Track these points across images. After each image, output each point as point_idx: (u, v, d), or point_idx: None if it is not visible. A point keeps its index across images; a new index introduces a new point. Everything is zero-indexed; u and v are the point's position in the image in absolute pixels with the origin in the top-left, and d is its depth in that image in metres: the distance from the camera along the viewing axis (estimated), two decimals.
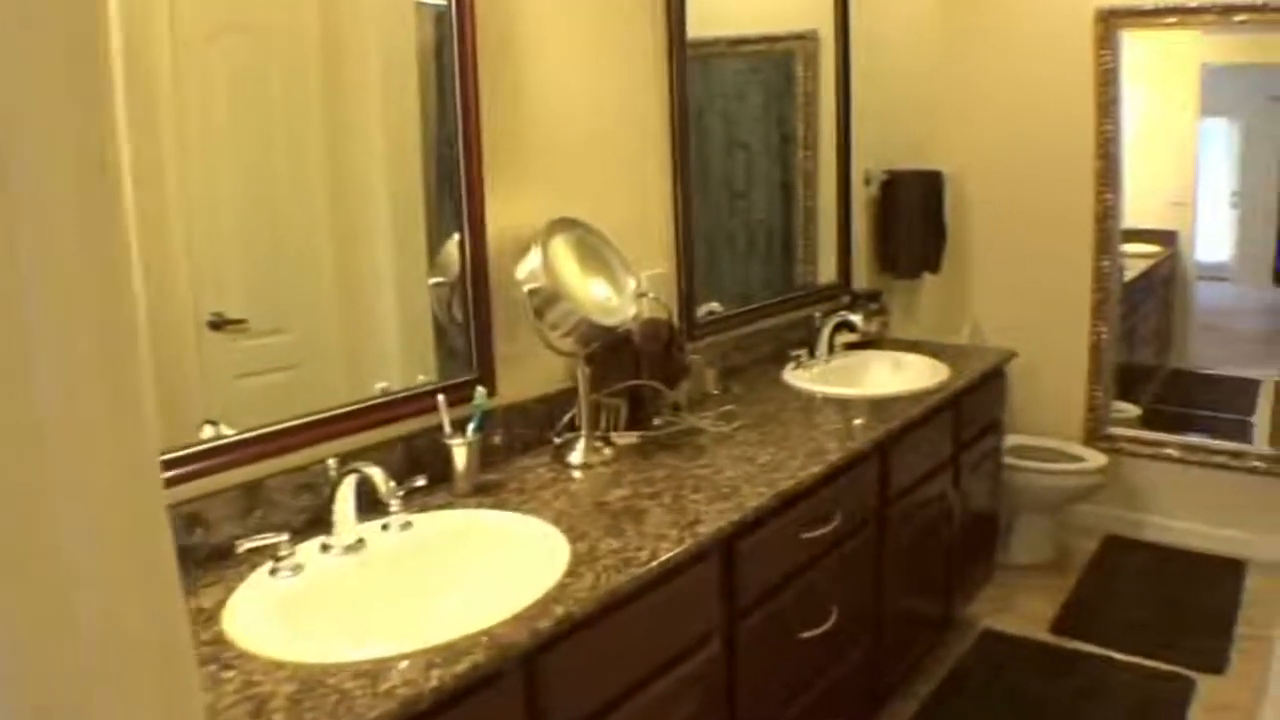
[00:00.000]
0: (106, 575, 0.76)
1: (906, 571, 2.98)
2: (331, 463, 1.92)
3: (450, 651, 1.50)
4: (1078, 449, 4.36)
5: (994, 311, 4.73)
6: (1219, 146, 5.84)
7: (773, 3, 3.59)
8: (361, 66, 2.23)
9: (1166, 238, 5.57)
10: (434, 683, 1.42)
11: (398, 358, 2.32)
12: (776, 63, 3.72)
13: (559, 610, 1.64)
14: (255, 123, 2.02)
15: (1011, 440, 4.23)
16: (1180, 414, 5.38)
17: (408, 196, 2.32)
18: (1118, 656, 3.54)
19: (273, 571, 1.75)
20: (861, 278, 4.04)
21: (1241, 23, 4.07)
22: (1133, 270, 5.14)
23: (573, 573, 1.78)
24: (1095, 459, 4.23)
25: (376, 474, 1.82)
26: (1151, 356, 5.70)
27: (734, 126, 3.45)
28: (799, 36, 3.74)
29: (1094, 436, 4.58)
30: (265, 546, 1.77)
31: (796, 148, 3.78)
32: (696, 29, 3.06)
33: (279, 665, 1.47)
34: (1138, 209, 5.00)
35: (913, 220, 4.15)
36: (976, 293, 4.79)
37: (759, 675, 2.24)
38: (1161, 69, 5.07)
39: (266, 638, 1.55)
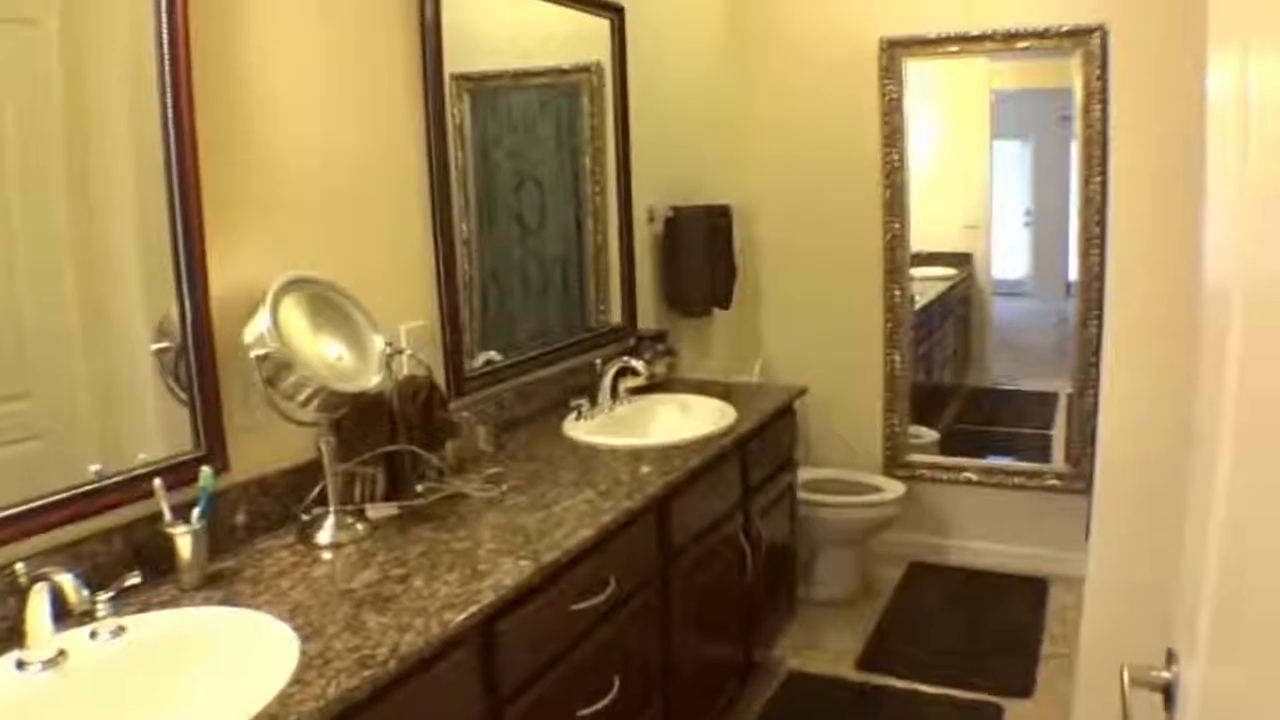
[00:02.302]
0: None
1: (698, 625, 2.86)
2: (20, 567, 1.67)
3: None
4: (877, 479, 4.37)
5: (787, 346, 4.73)
6: (1013, 168, 6.01)
7: (556, 34, 3.46)
8: (107, 100, 2.01)
9: (962, 260, 5.67)
10: None
11: (115, 435, 2.06)
12: (565, 95, 3.61)
13: None
14: None
15: (810, 474, 4.20)
16: (981, 433, 5.48)
17: (141, 249, 2.08)
18: (925, 689, 3.55)
19: None
20: (649, 317, 3.94)
21: (1025, 49, 4.17)
22: (929, 294, 5.20)
23: (300, 679, 1.58)
24: (894, 489, 4.24)
25: (66, 581, 1.59)
26: (951, 377, 5.78)
27: (524, 160, 3.33)
28: (583, 69, 3.63)
29: (893, 465, 4.62)
30: None
31: (587, 182, 3.67)
32: (475, 62, 2.96)
33: None
34: (933, 233, 5.07)
35: (699, 257, 4.06)
36: (768, 328, 4.78)
37: None
38: (952, 95, 5.16)
39: None
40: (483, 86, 3.08)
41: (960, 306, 5.76)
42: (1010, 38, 4.15)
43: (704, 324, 4.35)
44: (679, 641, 2.74)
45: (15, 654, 1.63)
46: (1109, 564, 2.29)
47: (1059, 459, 4.61)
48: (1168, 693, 1.33)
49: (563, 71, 3.60)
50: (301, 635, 1.72)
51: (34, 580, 1.64)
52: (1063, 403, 4.77)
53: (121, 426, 2.09)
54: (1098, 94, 3.98)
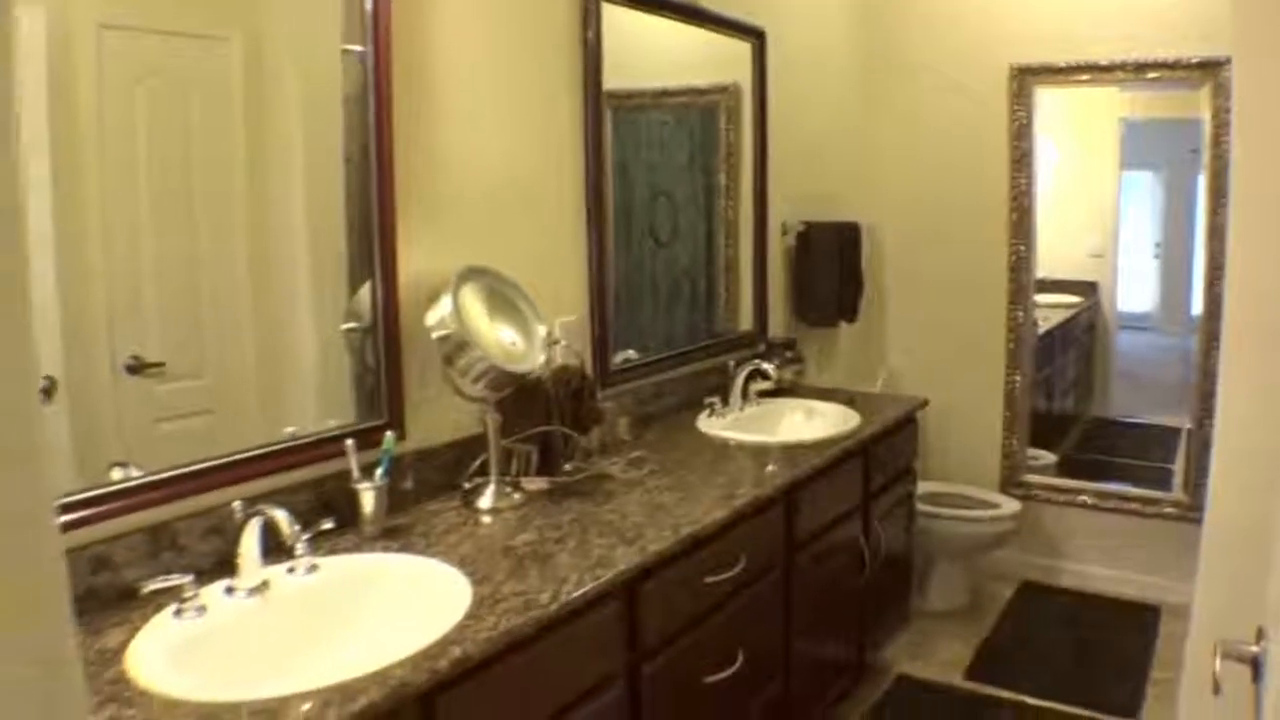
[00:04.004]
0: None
1: (816, 616, 3.03)
2: (237, 505, 1.94)
3: (348, 691, 1.53)
4: (993, 495, 4.45)
5: (910, 360, 4.84)
6: (1142, 199, 5.99)
7: (696, 56, 3.67)
8: (285, 111, 2.27)
9: (1087, 288, 5.70)
10: None
11: (310, 402, 2.35)
12: (701, 114, 3.81)
13: (457, 651, 1.68)
14: (177, 166, 2.05)
15: (927, 487, 4.31)
16: (1100, 462, 5.48)
17: (326, 242, 2.36)
18: (1031, 702, 3.61)
19: (177, 613, 1.77)
20: (778, 326, 4.13)
21: (1154, 79, 4.22)
22: (1051, 320, 5.25)
23: (474, 615, 1.81)
24: (1009, 506, 4.32)
25: (281, 517, 1.86)
26: (1072, 405, 5.81)
27: (658, 176, 3.53)
28: (722, 89, 3.83)
29: (1009, 483, 4.68)
30: (170, 588, 1.79)
31: (719, 198, 3.86)
32: (620, 80, 3.14)
33: (178, 704, 1.50)
34: (1057, 260, 5.12)
35: (829, 270, 4.25)
36: (892, 341, 4.90)
37: (663, 717, 2.27)
38: (1081, 123, 5.22)
39: (167, 678, 1.57)
40: (624, 104, 3.28)
41: (1084, 335, 5.78)
42: (1140, 68, 4.20)
43: (831, 335, 4.53)
44: (798, 629, 2.91)
45: (225, 582, 1.90)
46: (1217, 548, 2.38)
47: (1177, 490, 4.62)
48: (1256, 665, 1.47)
49: (700, 91, 3.80)
50: (472, 580, 1.96)
51: (249, 517, 1.91)
52: (1184, 438, 4.76)
53: (310, 396, 2.37)
54: (1226, 126, 4.02)
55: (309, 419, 2.29)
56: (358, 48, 2.31)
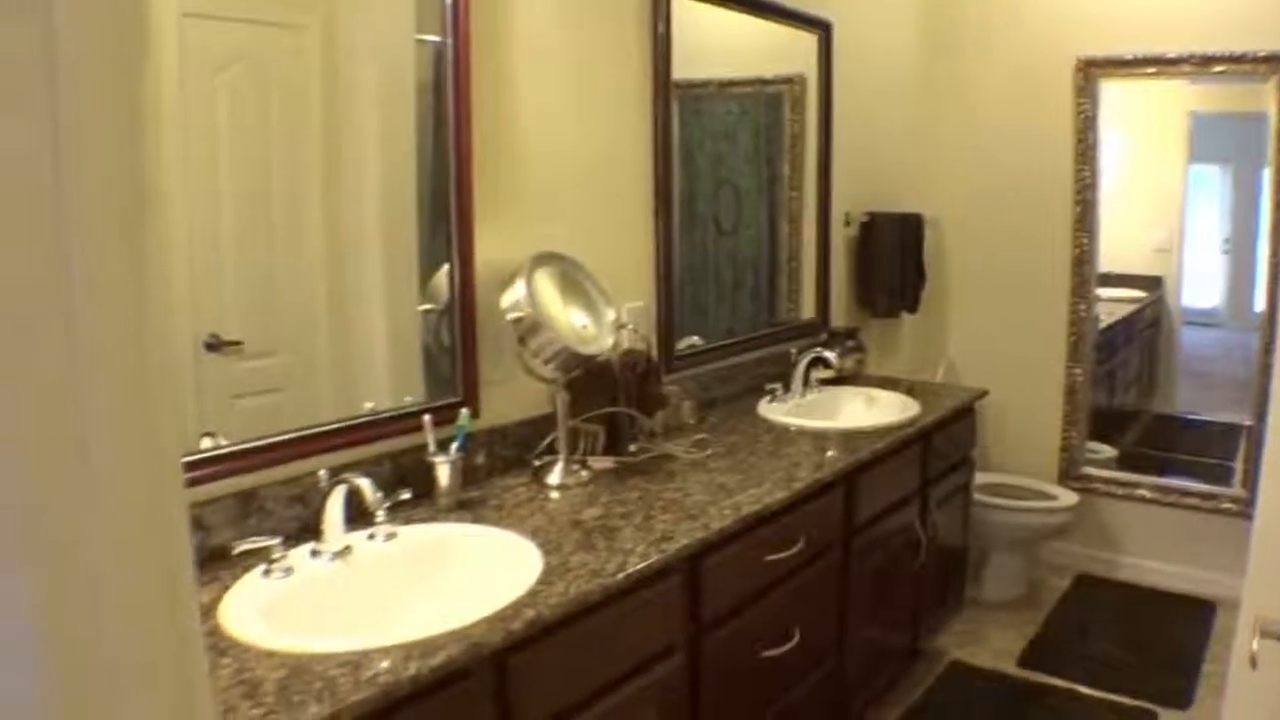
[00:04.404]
0: (133, 577, 0.89)
1: (872, 599, 3.10)
2: (322, 474, 2.05)
3: (427, 647, 1.63)
4: (1050, 487, 4.47)
5: (970, 351, 4.87)
6: (1211, 193, 5.93)
7: (762, 47, 3.74)
8: (360, 98, 2.38)
9: (1151, 283, 5.67)
10: (411, 673, 1.56)
11: (386, 379, 2.46)
12: (766, 105, 3.87)
13: (529, 613, 1.77)
14: (255, 151, 2.16)
15: (986, 478, 4.35)
16: (1161, 458, 5.45)
17: (401, 226, 2.47)
18: (1084, 690, 3.65)
19: (265, 572, 1.89)
20: (840, 315, 4.19)
21: (1220, 73, 4.21)
22: (1115, 314, 5.25)
23: (544, 581, 1.91)
24: (1067, 498, 4.35)
25: (365, 485, 1.97)
26: (1134, 400, 5.79)
27: (723, 165, 3.60)
28: (787, 80, 3.89)
29: (1067, 476, 4.70)
30: (259, 549, 1.91)
31: (783, 188, 3.93)
32: (687, 70, 3.21)
33: (269, 655, 1.61)
34: (1121, 254, 5.11)
35: (891, 261, 4.31)
36: (953, 332, 4.94)
37: (721, 689, 2.36)
38: (1148, 116, 5.19)
39: (258, 630, 1.68)
40: (689, 94, 3.35)
41: (1147, 330, 5.76)
42: (1206, 61, 4.18)
43: (892, 325, 4.58)
44: (854, 611, 2.98)
45: (310, 545, 2.01)
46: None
47: (1238, 485, 4.61)
48: None
49: (766, 82, 3.86)
50: (543, 550, 2.06)
51: (334, 485, 2.02)
52: (1245, 434, 4.73)
53: (382, 375, 2.48)
54: None
55: (382, 396, 2.39)
56: (433, 37, 2.41)
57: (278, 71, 2.19)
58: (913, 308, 4.48)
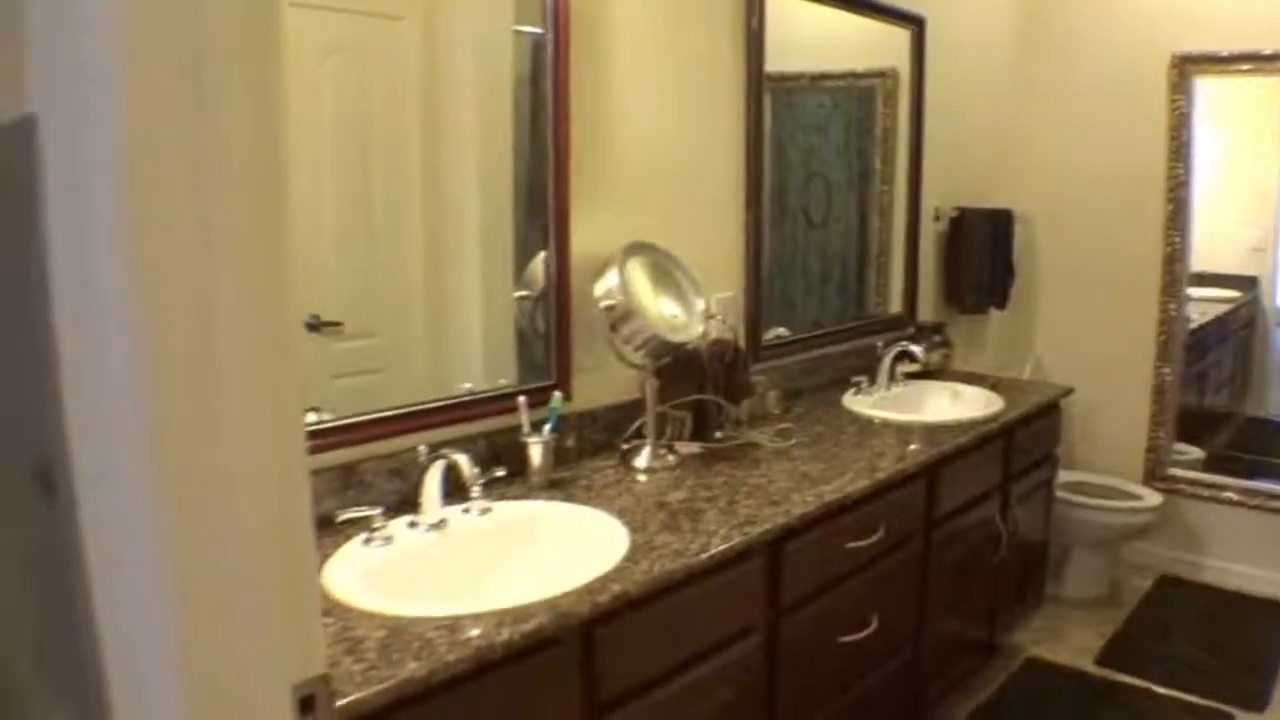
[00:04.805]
0: (262, 503, 1.01)
1: (950, 591, 3.13)
2: (422, 449, 2.16)
3: (519, 614, 1.72)
4: (1135, 488, 4.45)
5: (1058, 349, 4.86)
6: None
7: (855, 40, 3.78)
8: (458, 88, 2.47)
9: (1246, 283, 5.60)
10: (503, 638, 1.65)
11: (480, 362, 2.57)
12: (858, 98, 3.91)
13: (616, 588, 1.86)
14: (356, 138, 2.26)
15: (1070, 476, 4.35)
16: (1253, 461, 5.38)
17: (497, 214, 2.56)
18: (1159, 690, 3.64)
19: (366, 541, 2.00)
20: (927, 310, 4.22)
21: None
22: (1207, 314, 5.19)
23: (631, 559, 2.00)
24: (1151, 498, 4.33)
25: (462, 460, 2.07)
26: (1226, 402, 5.72)
27: (814, 158, 3.64)
28: (880, 74, 3.93)
29: (1152, 476, 4.67)
30: (360, 519, 2.02)
31: (874, 182, 3.96)
32: (780, 63, 3.27)
33: (370, 616, 1.71)
34: (1216, 254, 5.05)
35: (980, 257, 4.32)
36: (1042, 330, 4.92)
37: (798, 671, 2.42)
38: (1245, 114, 5.12)
39: (360, 594, 1.78)
40: (782, 86, 3.39)
41: (1241, 331, 5.69)
42: None
43: (979, 321, 4.59)
44: (932, 601, 3.02)
45: (408, 517, 2.12)
46: None
47: None
48: None
49: (858, 75, 3.90)
50: (629, 529, 2.14)
51: (433, 460, 2.12)
52: None
53: (476, 358, 2.59)
54: None
55: (476, 379, 2.50)
56: (531, 29, 2.50)
57: (378, 62, 2.28)
58: (1001, 304, 4.48)
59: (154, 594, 1.10)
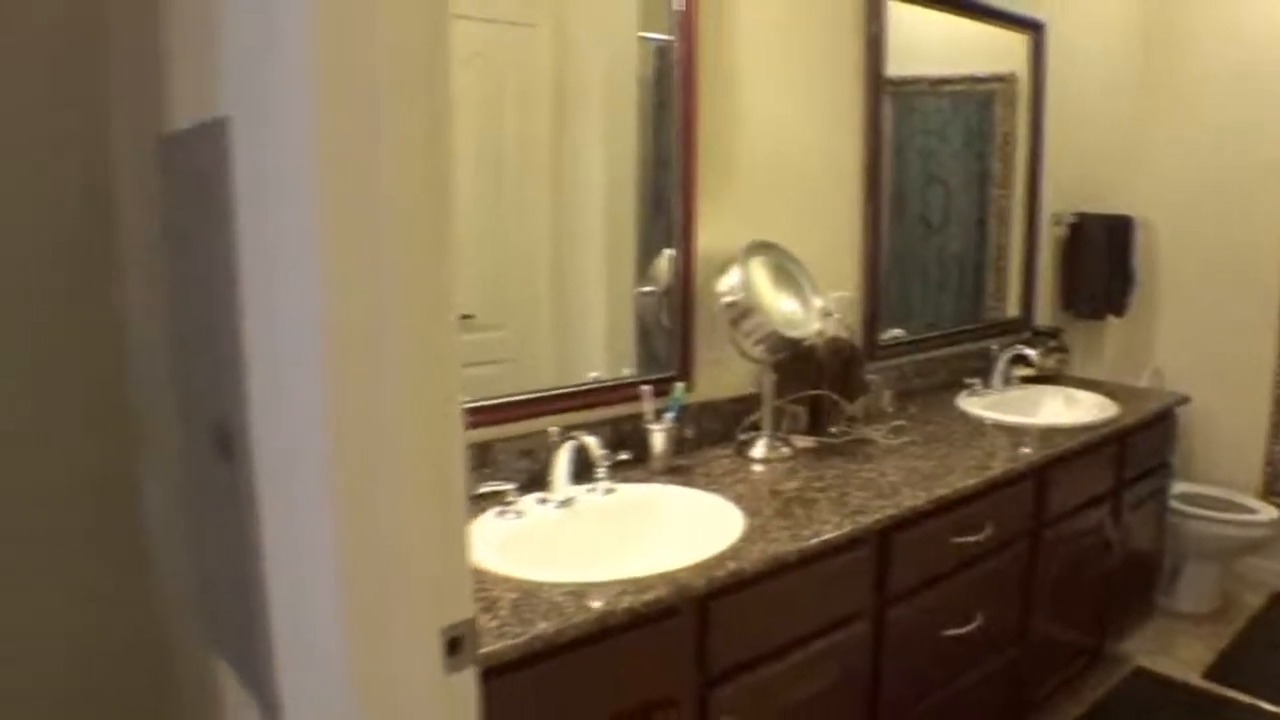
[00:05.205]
0: (421, 466, 1.15)
1: (1057, 595, 3.17)
2: (553, 430, 2.31)
3: (640, 585, 1.85)
4: (1252, 501, 4.40)
5: (1178, 358, 4.81)
6: None
7: (974, 45, 3.82)
8: (586, 92, 2.61)
9: None
10: (625, 605, 1.78)
11: (601, 354, 2.70)
12: (977, 102, 3.95)
13: (731, 565, 1.98)
14: (488, 139, 2.41)
15: (1184, 487, 4.33)
16: None
17: (622, 214, 2.70)
18: (1267, 707, 3.61)
19: (500, 513, 2.15)
20: (1044, 315, 4.25)
21: None
22: None
23: (746, 540, 2.11)
24: (1267, 513, 4.28)
25: (591, 441, 2.22)
26: None
27: (933, 162, 3.71)
28: (999, 78, 3.96)
29: (1270, 491, 4.62)
30: (494, 493, 2.17)
31: (993, 186, 4.00)
32: (899, 68, 3.35)
33: (504, 580, 1.86)
34: None
35: (1098, 262, 4.33)
36: (1161, 338, 4.89)
37: (902, 660, 2.51)
38: None
39: (494, 560, 1.93)
40: (902, 91, 3.46)
41: None
42: None
43: (1097, 327, 4.59)
44: (1038, 603, 3.07)
45: (538, 494, 2.27)
46: None
47: None
48: None
49: (978, 80, 3.93)
50: (745, 513, 2.25)
51: (563, 441, 2.26)
52: None
53: (599, 350, 2.71)
54: None
55: (598, 369, 2.63)
56: (656, 35, 2.64)
57: (510, 66, 2.43)
58: (1119, 311, 4.48)
59: (323, 541, 1.25)
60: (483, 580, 1.85)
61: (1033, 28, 3.97)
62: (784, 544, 2.10)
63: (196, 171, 1.59)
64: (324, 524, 1.24)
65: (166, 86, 1.79)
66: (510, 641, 1.63)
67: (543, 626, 1.68)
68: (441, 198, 1.22)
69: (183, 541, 1.99)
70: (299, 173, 1.17)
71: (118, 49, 1.95)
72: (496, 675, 1.59)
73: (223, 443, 1.59)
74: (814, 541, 2.14)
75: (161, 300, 1.92)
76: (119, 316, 2.02)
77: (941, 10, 3.52)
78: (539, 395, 2.45)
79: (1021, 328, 4.08)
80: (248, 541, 1.54)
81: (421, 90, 1.19)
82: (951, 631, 2.66)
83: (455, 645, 1.26)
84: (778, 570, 2.07)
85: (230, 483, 1.59)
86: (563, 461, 2.27)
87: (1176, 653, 4.02)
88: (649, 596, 1.82)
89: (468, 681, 1.29)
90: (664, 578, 1.89)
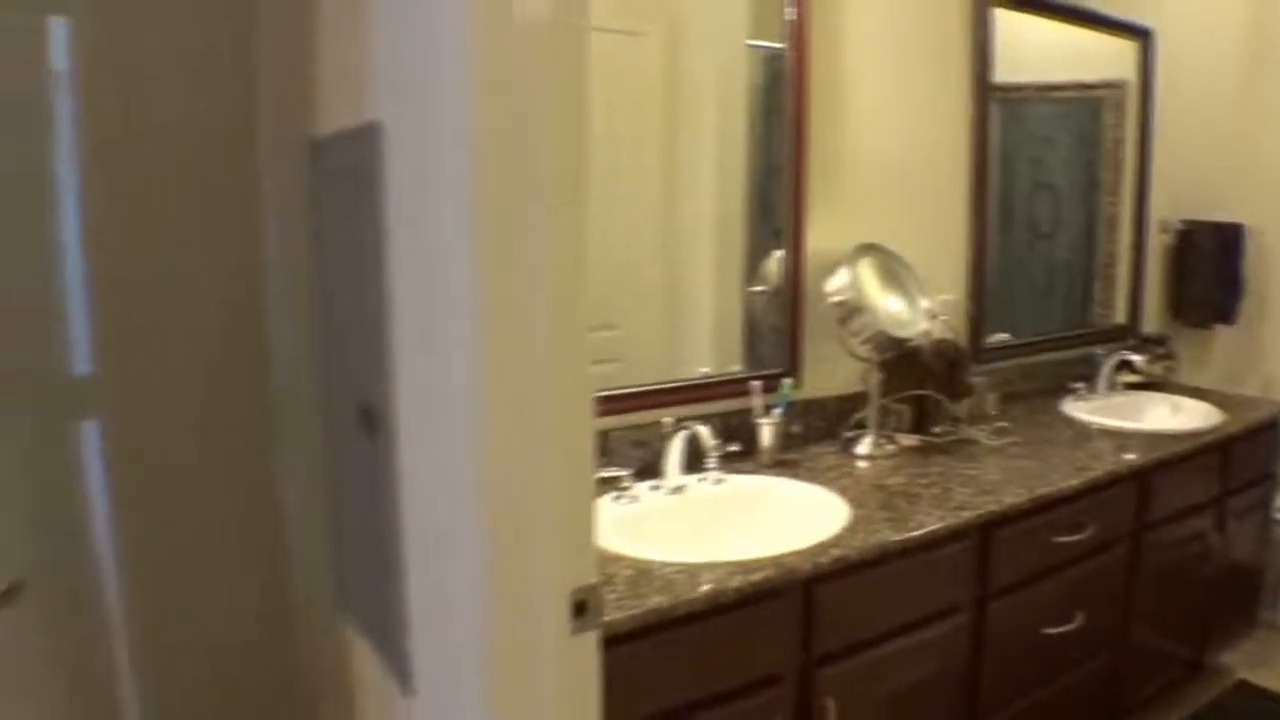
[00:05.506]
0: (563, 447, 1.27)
1: (1157, 600, 3.18)
2: (667, 421, 2.42)
3: (748, 567, 1.95)
4: None
5: None
6: None
7: (1081, 51, 3.84)
8: (696, 99, 2.71)
9: None
10: (735, 585, 1.88)
11: (709, 352, 2.80)
12: (1085, 109, 3.96)
13: (836, 552, 2.07)
14: (601, 146, 2.50)
15: None
16: None
17: (730, 217, 2.79)
18: None
19: (615, 498, 2.27)
20: (1151, 322, 4.25)
21: None
22: None
23: (850, 529, 2.20)
24: None
25: (704, 431, 2.34)
26: None
27: (1041, 169, 3.74)
28: (1108, 85, 3.97)
29: None
30: (610, 478, 2.29)
31: (1101, 193, 4.02)
32: (1005, 74, 3.40)
33: (620, 558, 1.98)
34: None
35: (1207, 270, 4.30)
36: (1271, 347, 4.81)
37: (1001, 655, 2.56)
38: None
39: (610, 539, 2.04)
40: (1009, 97, 3.50)
41: None
42: None
43: (1205, 335, 4.55)
44: (1137, 608, 3.08)
45: (650, 482, 2.38)
46: None
47: None
48: None
49: (1085, 86, 3.95)
50: (850, 505, 2.34)
51: (676, 431, 2.37)
52: None
53: (705, 347, 2.82)
54: None
55: (708, 366, 2.74)
56: (766, 44, 2.74)
57: (623, 73, 2.54)
58: (1228, 319, 4.45)
59: (465, 509, 1.38)
60: (600, 558, 1.96)
61: (1141, 35, 3.98)
62: (888, 534, 2.19)
63: (349, 171, 1.73)
64: (467, 491, 1.36)
65: (317, 96, 1.94)
66: (628, 613, 1.74)
67: (657, 600, 1.79)
68: (580, 196, 1.34)
69: (315, 518, 2.15)
70: (455, 174, 1.30)
71: (264, 63, 2.11)
72: (614, 644, 1.69)
73: (367, 421, 1.73)
74: (917, 533, 2.22)
75: (303, 296, 2.08)
76: (262, 317, 2.18)
77: (1048, 17, 3.56)
78: (652, 388, 2.56)
79: (1128, 334, 4.09)
80: (386, 504, 1.68)
81: (564, 97, 1.31)
82: (1051, 630, 2.70)
83: (581, 608, 1.38)
84: (881, 559, 2.16)
85: (372, 454, 1.73)
86: (675, 451, 2.38)
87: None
88: (757, 577, 1.92)
89: (590, 644, 1.40)
90: (772, 561, 1.99)
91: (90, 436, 2.04)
